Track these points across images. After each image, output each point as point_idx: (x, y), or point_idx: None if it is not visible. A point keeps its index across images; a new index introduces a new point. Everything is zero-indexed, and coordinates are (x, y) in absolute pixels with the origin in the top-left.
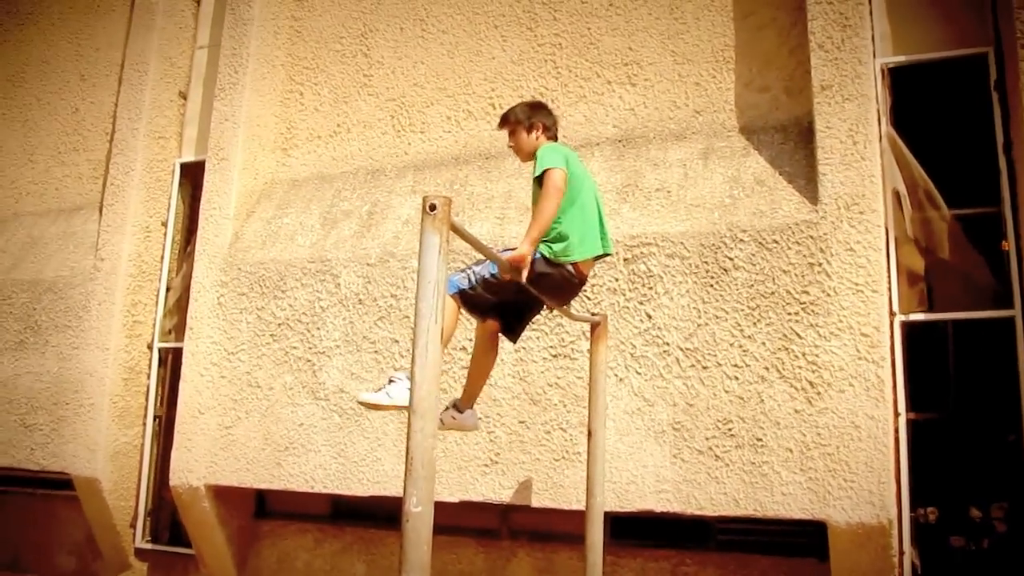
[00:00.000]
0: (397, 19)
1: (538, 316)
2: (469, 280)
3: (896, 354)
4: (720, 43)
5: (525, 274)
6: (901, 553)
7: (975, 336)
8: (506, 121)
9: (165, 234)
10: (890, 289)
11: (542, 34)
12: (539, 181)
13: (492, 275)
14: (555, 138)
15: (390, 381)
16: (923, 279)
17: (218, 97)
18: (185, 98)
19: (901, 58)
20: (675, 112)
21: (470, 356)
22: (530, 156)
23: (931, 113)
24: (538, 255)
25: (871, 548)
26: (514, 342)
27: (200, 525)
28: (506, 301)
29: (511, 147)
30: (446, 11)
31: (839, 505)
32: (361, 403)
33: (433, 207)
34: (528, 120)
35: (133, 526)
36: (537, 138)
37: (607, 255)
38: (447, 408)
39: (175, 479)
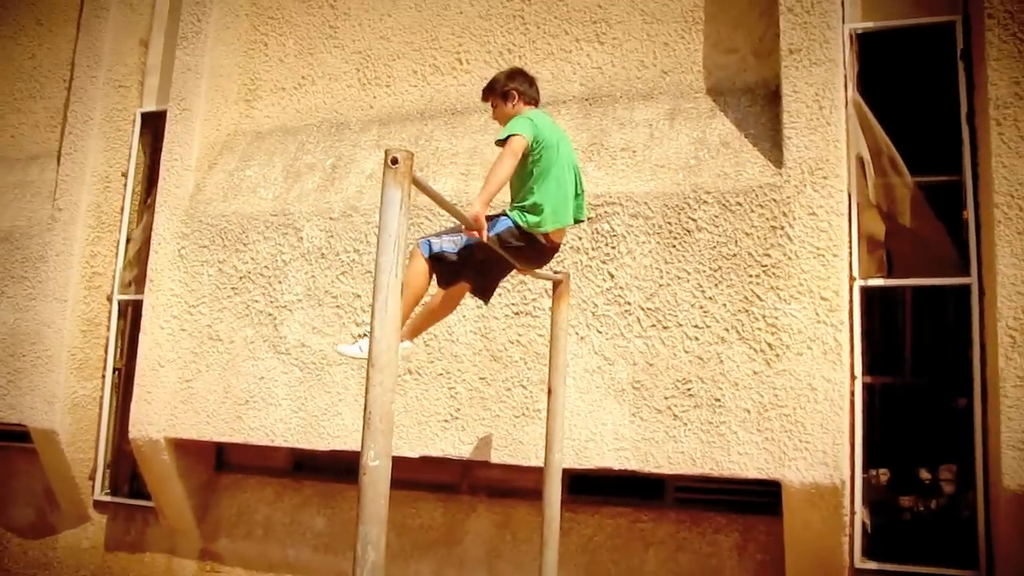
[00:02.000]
0: None
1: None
2: (441, 245)
3: (854, 318)
4: (689, 3)
5: (485, 235)
6: (852, 513)
7: (933, 302)
8: (486, 94)
9: (125, 185)
10: (851, 254)
11: None
12: (500, 145)
13: (465, 244)
14: (535, 103)
15: (364, 335)
16: (884, 245)
17: (180, 46)
18: (146, 46)
19: (869, 24)
20: (643, 72)
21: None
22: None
23: (897, 80)
24: (510, 223)
25: (824, 507)
26: (486, 302)
27: (160, 478)
28: (475, 264)
29: (496, 119)
30: None
31: (794, 465)
32: (339, 353)
33: (395, 161)
34: (503, 88)
35: (92, 478)
36: (514, 106)
37: (580, 221)
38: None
39: (135, 431)
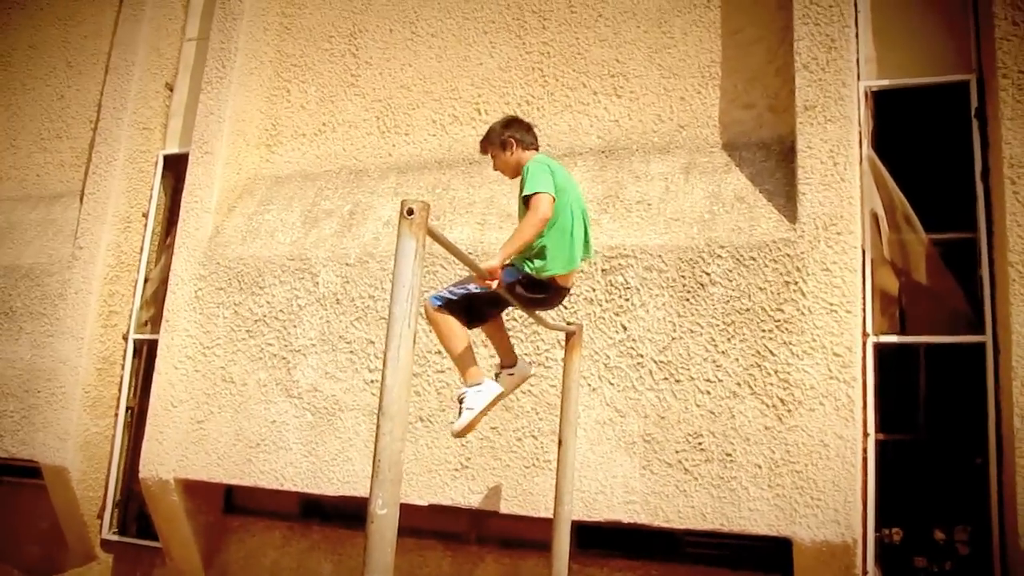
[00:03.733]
0: (387, 20)
1: (514, 324)
2: (450, 294)
3: (867, 375)
4: (707, 59)
5: (495, 284)
6: (865, 572)
7: (947, 360)
8: (483, 145)
9: (145, 225)
10: (864, 310)
11: (530, 42)
12: (526, 201)
13: (472, 292)
14: (535, 149)
15: (459, 401)
16: (897, 301)
17: (204, 90)
18: (171, 90)
19: (884, 82)
20: (659, 125)
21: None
22: (516, 172)
23: (912, 137)
24: (519, 275)
25: (835, 566)
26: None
27: (168, 518)
28: (481, 310)
29: (497, 170)
30: (436, 15)
31: (805, 523)
32: (458, 435)
33: (411, 211)
34: (500, 138)
35: (100, 517)
36: (513, 153)
37: (586, 258)
38: (498, 375)
39: (145, 471)
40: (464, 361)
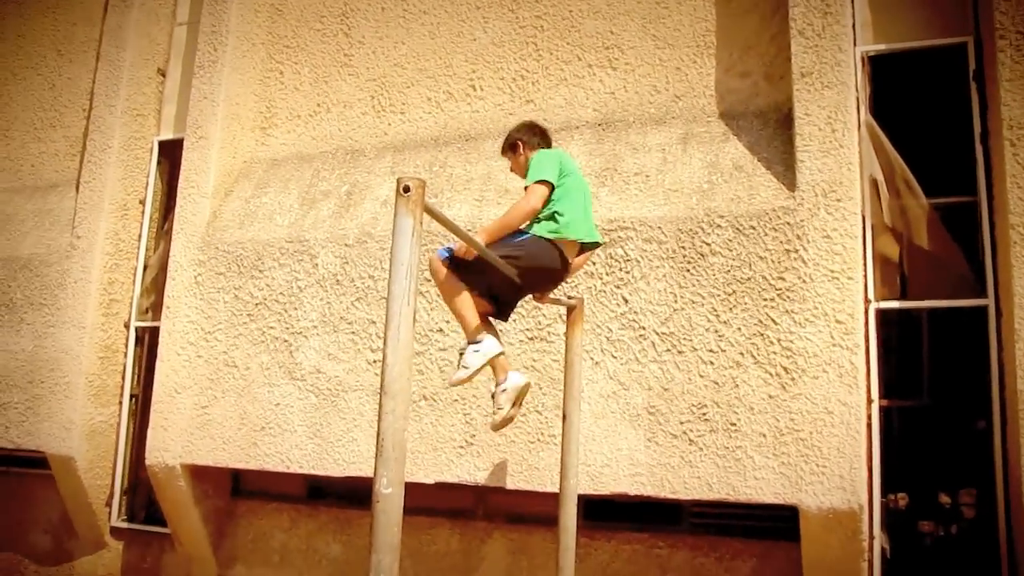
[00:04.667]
0: None
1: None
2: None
3: (870, 341)
4: (701, 28)
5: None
6: (871, 537)
7: (949, 324)
8: (503, 150)
9: (143, 212)
10: (865, 276)
11: (524, 16)
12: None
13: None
14: (547, 147)
15: (460, 354)
16: (898, 267)
17: (197, 75)
18: (164, 75)
19: (881, 46)
20: (655, 96)
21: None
22: (526, 173)
23: (910, 102)
24: (529, 235)
25: (842, 532)
26: (504, 320)
27: (176, 504)
28: (493, 284)
29: (512, 172)
30: None
31: (811, 490)
32: (452, 384)
33: (407, 189)
34: (511, 141)
35: (109, 505)
36: (522, 154)
37: (597, 245)
38: (462, 353)
39: (151, 458)
40: (464, 317)
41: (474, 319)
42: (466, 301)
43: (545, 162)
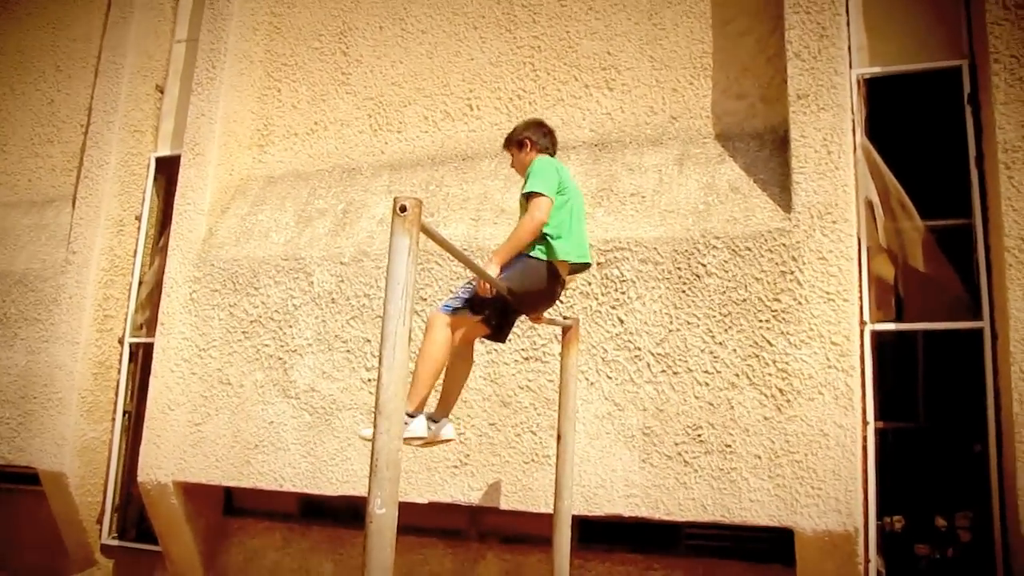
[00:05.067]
0: (377, 18)
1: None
2: (459, 298)
3: (866, 363)
4: (698, 49)
5: (489, 289)
6: (867, 561)
7: (944, 347)
8: (506, 143)
9: (139, 228)
10: (861, 298)
11: (521, 36)
12: (527, 197)
13: (475, 292)
14: (550, 154)
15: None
16: (894, 289)
17: (195, 92)
18: (162, 92)
19: (877, 69)
20: (652, 117)
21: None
22: (524, 171)
23: (905, 124)
24: (522, 257)
25: (837, 555)
26: (503, 341)
27: (168, 522)
28: (489, 309)
29: (512, 167)
30: (426, 11)
31: (806, 512)
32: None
33: (404, 208)
34: (518, 137)
35: (100, 522)
36: (527, 155)
37: (587, 266)
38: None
39: (143, 475)
40: (422, 384)
41: (426, 393)
42: (436, 368)
43: (546, 174)
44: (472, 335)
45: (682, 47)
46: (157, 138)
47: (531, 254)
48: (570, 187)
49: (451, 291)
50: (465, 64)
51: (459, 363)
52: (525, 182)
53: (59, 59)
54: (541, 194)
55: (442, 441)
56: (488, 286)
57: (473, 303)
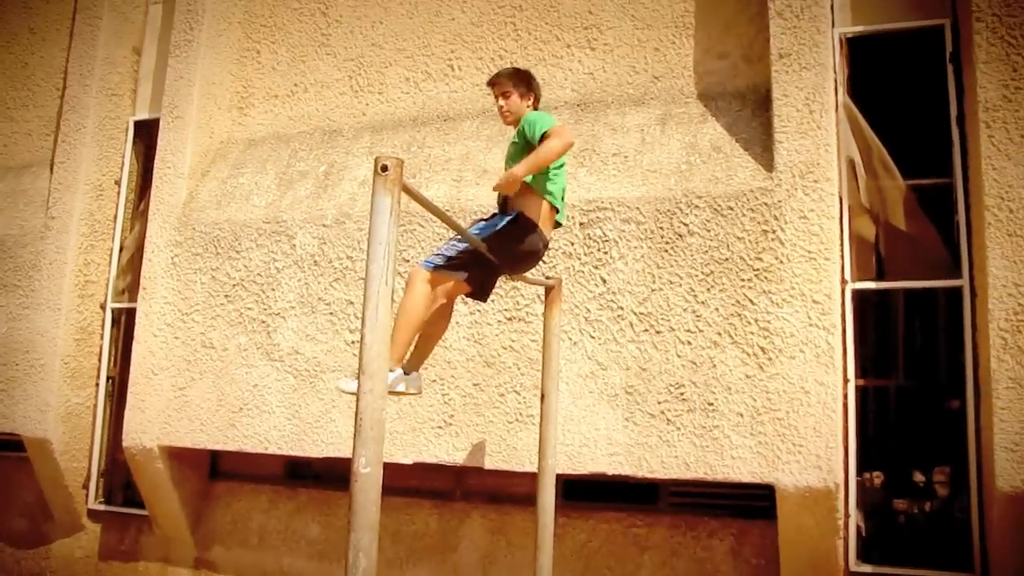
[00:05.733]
0: None
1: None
2: (443, 254)
3: (847, 321)
4: (680, 9)
5: (508, 196)
6: (847, 516)
7: (925, 305)
8: (502, 80)
9: (118, 193)
10: (842, 257)
11: None
12: (524, 143)
13: (460, 251)
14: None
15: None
16: (875, 248)
17: (173, 54)
18: (139, 54)
19: (859, 28)
20: (634, 77)
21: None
22: (515, 121)
23: (887, 83)
24: (514, 213)
25: (818, 511)
26: (484, 300)
27: (154, 486)
28: (476, 260)
29: (501, 107)
30: None
31: (787, 469)
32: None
33: (385, 168)
34: (527, 85)
35: (86, 487)
36: (529, 106)
37: (559, 225)
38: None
39: (128, 440)
40: (401, 340)
41: (406, 348)
42: (416, 326)
43: (547, 118)
44: (454, 293)
45: (664, 6)
46: (135, 101)
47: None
48: None
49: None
50: (446, 24)
51: (438, 320)
52: (526, 133)
53: (33, 21)
54: (551, 128)
55: (413, 394)
56: (506, 186)
57: (456, 261)
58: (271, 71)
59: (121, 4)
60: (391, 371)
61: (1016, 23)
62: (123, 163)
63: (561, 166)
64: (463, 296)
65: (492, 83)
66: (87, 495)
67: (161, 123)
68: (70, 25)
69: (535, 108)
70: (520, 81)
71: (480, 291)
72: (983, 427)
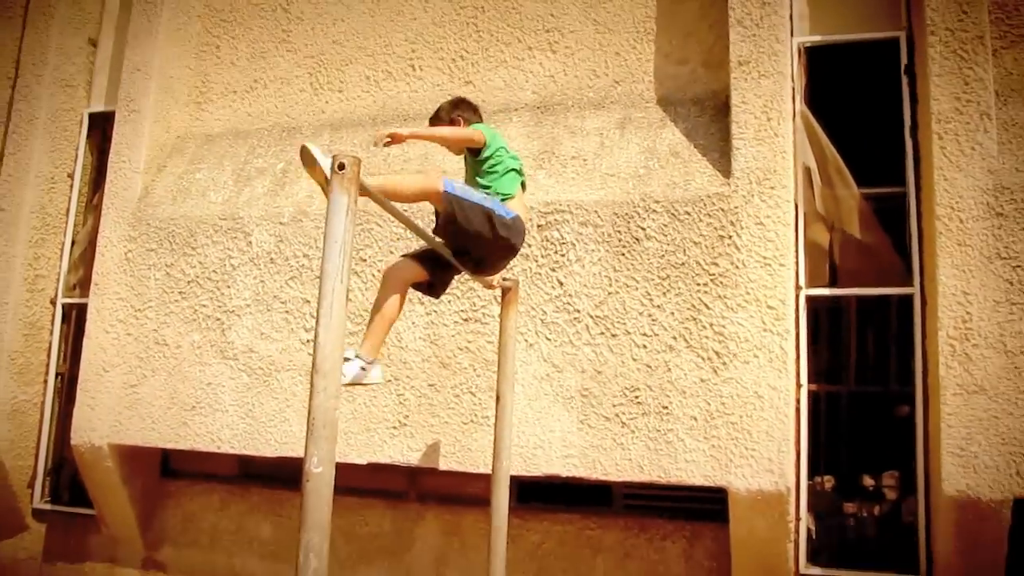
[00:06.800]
0: None
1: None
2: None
3: (800, 327)
4: (641, 14)
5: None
6: (798, 519)
7: (877, 312)
8: (432, 123)
9: (71, 186)
10: (797, 263)
11: None
12: (471, 157)
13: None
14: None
15: (345, 360)
16: (829, 255)
17: (130, 46)
18: (95, 45)
19: (817, 38)
20: (594, 81)
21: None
22: (460, 150)
23: (844, 93)
24: (504, 213)
25: (770, 514)
26: (436, 298)
27: (102, 485)
28: (437, 256)
29: (444, 146)
30: None
31: (740, 472)
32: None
33: (342, 166)
34: (449, 116)
35: (31, 486)
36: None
37: None
38: (349, 360)
39: (77, 438)
40: (380, 331)
41: (383, 338)
42: (395, 313)
43: (482, 127)
44: (409, 278)
45: (626, 11)
46: (90, 93)
47: (502, 215)
48: (508, 149)
49: (391, 251)
50: (408, 23)
51: (397, 303)
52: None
53: None
54: (474, 132)
55: (376, 382)
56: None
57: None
58: (230, 66)
59: None
60: (371, 363)
61: (968, 37)
62: (76, 156)
63: (508, 171)
64: (416, 288)
65: (431, 124)
66: (32, 494)
67: (117, 116)
68: (23, 13)
69: (475, 123)
70: (443, 115)
71: (433, 288)
72: (931, 432)
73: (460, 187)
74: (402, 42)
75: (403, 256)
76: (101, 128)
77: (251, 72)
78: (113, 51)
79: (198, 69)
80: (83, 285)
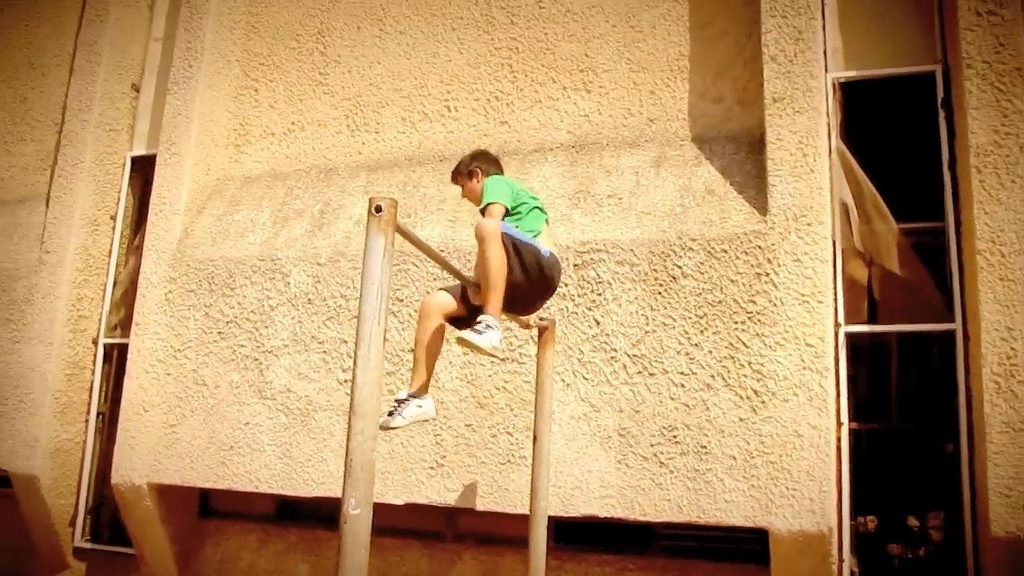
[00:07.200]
0: (355, 18)
1: None
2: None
3: (840, 364)
4: (675, 52)
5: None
6: (841, 560)
7: (918, 348)
8: (454, 176)
9: (114, 228)
10: (835, 300)
11: (499, 38)
12: (483, 211)
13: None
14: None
15: (398, 402)
16: (868, 291)
17: (171, 91)
18: (138, 91)
19: (852, 73)
20: (629, 119)
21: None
22: (479, 200)
23: (880, 128)
24: (543, 252)
25: (811, 555)
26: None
27: (142, 524)
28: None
29: (465, 198)
30: (404, 12)
31: (781, 513)
32: (384, 429)
33: (379, 209)
34: (467, 168)
35: (72, 525)
36: (479, 182)
37: None
38: (405, 401)
39: (117, 477)
40: (428, 363)
41: (428, 374)
42: (437, 346)
43: (496, 186)
44: (447, 313)
45: (659, 50)
46: (133, 137)
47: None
48: (529, 198)
49: (427, 291)
50: (443, 65)
51: (436, 338)
52: (481, 199)
53: (33, 56)
54: (493, 202)
55: (430, 416)
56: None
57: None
58: (268, 109)
59: (121, 40)
60: (422, 398)
61: (1006, 69)
62: (119, 198)
63: (532, 209)
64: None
65: (452, 181)
66: (73, 533)
67: (158, 159)
68: (70, 61)
69: (494, 174)
70: (462, 168)
71: (467, 320)
72: (977, 471)
73: (509, 227)
74: (438, 83)
75: (440, 289)
76: (143, 171)
77: (289, 115)
78: (155, 96)
79: (237, 112)
80: (124, 325)
